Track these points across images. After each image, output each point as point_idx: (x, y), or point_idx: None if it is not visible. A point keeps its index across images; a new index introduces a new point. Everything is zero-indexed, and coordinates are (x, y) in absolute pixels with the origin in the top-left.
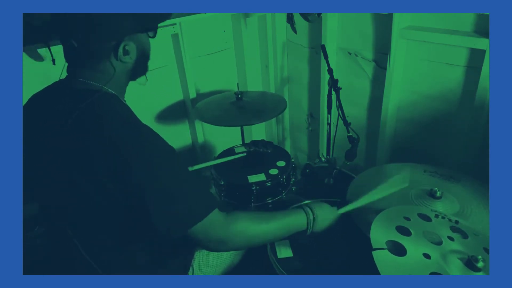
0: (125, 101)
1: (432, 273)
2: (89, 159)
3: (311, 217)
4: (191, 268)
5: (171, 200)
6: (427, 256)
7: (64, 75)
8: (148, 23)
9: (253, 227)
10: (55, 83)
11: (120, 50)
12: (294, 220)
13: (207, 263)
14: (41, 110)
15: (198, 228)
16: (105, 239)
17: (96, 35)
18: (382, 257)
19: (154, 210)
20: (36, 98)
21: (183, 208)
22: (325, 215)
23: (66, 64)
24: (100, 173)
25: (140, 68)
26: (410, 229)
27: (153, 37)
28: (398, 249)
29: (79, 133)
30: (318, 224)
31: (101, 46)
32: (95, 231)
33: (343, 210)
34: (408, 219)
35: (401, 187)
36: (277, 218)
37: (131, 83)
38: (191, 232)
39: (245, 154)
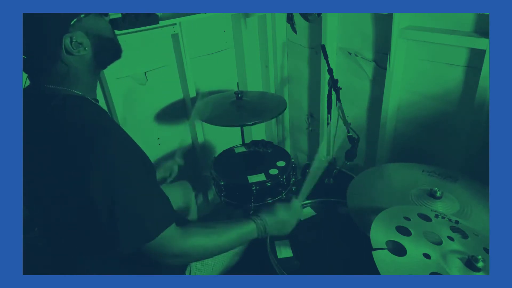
0: (96, 100)
1: (432, 273)
2: (52, 166)
3: (260, 225)
4: (188, 267)
5: (126, 215)
6: (427, 256)
7: (27, 83)
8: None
9: (207, 242)
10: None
11: (67, 44)
12: (245, 231)
13: (204, 263)
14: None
15: (152, 245)
16: (80, 245)
17: (38, 40)
18: (382, 257)
19: (105, 223)
20: None
21: (137, 224)
22: (278, 219)
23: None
24: (61, 181)
25: (105, 53)
26: (410, 229)
27: (106, 16)
28: (398, 249)
29: (43, 141)
30: (273, 229)
31: (46, 49)
32: (75, 241)
33: (301, 200)
34: (408, 219)
35: None
36: (229, 231)
37: (130, 83)
38: (145, 249)
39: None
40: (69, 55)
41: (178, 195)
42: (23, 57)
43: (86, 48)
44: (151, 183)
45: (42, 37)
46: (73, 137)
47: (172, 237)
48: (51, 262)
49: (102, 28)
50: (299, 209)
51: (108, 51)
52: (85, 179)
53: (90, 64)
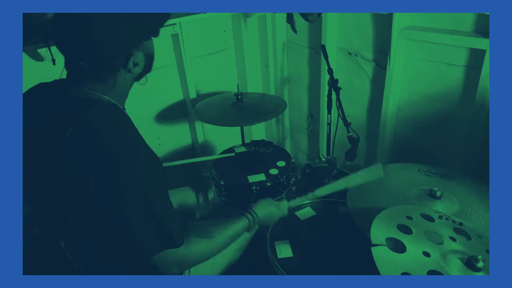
0: (124, 109)
1: (430, 271)
2: (81, 171)
3: (251, 221)
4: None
5: (151, 222)
6: (426, 254)
7: (64, 74)
8: (152, 27)
9: (206, 247)
10: (55, 83)
11: (131, 64)
12: (238, 228)
13: (203, 266)
14: (40, 115)
15: (159, 256)
16: (93, 248)
17: (107, 55)
18: (380, 253)
19: (133, 229)
20: (35, 97)
21: (159, 231)
22: (268, 213)
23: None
24: (90, 185)
25: (147, 70)
26: (412, 228)
27: (156, 36)
28: (398, 248)
29: (75, 144)
30: (261, 222)
31: (111, 64)
32: (83, 242)
33: (292, 203)
34: (410, 218)
35: (372, 178)
36: (224, 232)
37: None
38: (152, 260)
39: (233, 154)
40: (127, 73)
41: (181, 202)
42: (82, 65)
43: (141, 68)
44: (169, 199)
45: (112, 53)
46: (104, 147)
47: (175, 251)
48: (51, 259)
49: (152, 49)
50: (286, 208)
51: (148, 68)
52: (118, 183)
53: (134, 79)
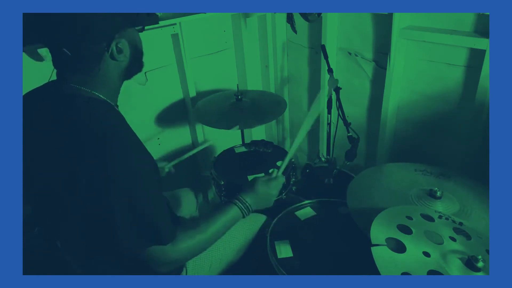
0: (117, 106)
1: (430, 271)
2: (69, 167)
3: (242, 207)
4: (184, 269)
5: (139, 218)
6: (426, 254)
7: (54, 77)
8: (136, 17)
9: (194, 244)
10: (46, 85)
11: (113, 48)
12: (229, 217)
13: (201, 262)
14: (31, 115)
15: (146, 254)
16: (87, 245)
17: (88, 39)
18: (380, 253)
19: (120, 225)
20: (27, 100)
21: (148, 228)
22: (258, 195)
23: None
24: (78, 180)
25: (135, 64)
26: (412, 228)
27: (141, 31)
28: (398, 248)
29: (63, 141)
30: (258, 205)
31: (94, 50)
32: (76, 238)
33: (281, 170)
34: (410, 218)
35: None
36: (213, 224)
37: (130, 83)
38: (148, 254)
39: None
40: (111, 59)
41: (181, 203)
42: (65, 53)
43: (126, 56)
44: (161, 195)
45: (93, 38)
46: (93, 143)
47: (162, 249)
48: (51, 259)
49: (138, 41)
50: (280, 178)
51: (139, 63)
52: (104, 185)
53: (122, 72)
